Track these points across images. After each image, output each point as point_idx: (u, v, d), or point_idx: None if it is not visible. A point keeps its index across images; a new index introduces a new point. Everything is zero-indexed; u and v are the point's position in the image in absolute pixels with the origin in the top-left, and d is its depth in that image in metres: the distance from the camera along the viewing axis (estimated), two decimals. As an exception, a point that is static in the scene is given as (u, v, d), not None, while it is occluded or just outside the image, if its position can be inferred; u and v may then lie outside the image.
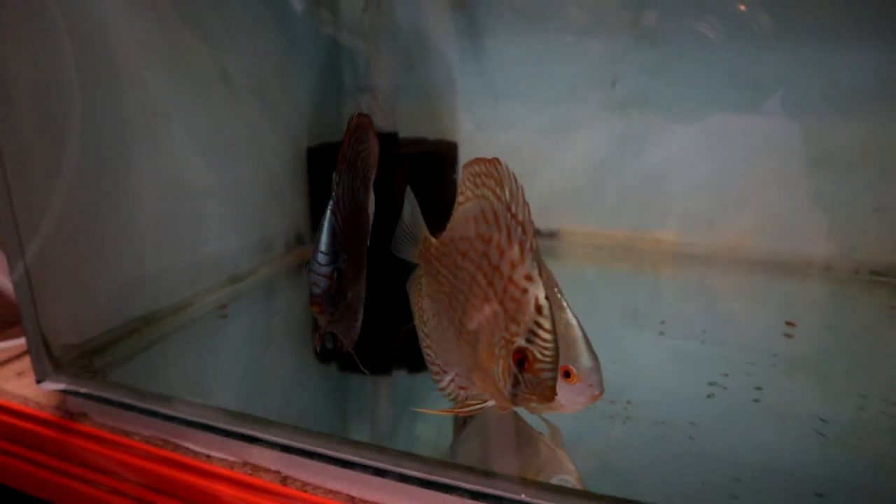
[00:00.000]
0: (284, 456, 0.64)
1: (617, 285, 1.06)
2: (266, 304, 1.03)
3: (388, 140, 1.09)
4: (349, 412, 0.77)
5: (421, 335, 0.63)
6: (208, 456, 0.67)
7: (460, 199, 0.56)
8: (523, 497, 0.53)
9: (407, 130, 1.16)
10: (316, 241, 0.57)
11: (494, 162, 0.52)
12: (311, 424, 0.66)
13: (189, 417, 0.68)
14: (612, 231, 1.16)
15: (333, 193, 0.58)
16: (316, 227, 1.15)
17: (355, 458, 0.60)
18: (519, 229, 0.49)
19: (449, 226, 0.58)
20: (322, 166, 1.12)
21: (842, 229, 1.02)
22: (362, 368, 0.62)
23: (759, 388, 0.71)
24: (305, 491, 0.62)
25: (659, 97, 1.06)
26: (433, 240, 0.61)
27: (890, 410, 0.67)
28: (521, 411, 0.65)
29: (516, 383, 0.49)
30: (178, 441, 0.69)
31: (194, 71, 0.95)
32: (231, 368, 0.84)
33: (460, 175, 0.57)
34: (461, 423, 0.68)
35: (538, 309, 0.48)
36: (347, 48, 1.17)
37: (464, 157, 1.15)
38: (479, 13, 1.13)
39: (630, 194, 1.11)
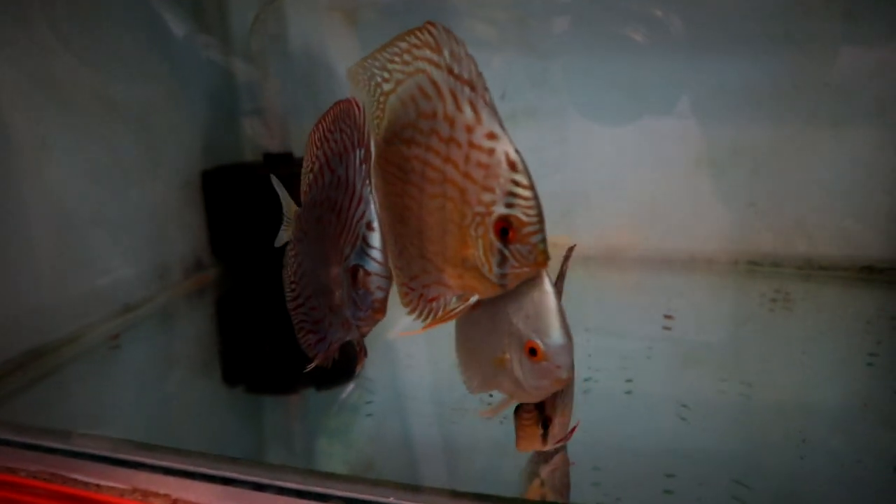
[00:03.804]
0: (172, 479, 0.63)
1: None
2: (162, 332, 1.02)
3: (282, 160, 1.10)
4: (256, 434, 0.77)
5: None
6: (98, 486, 0.66)
7: (391, 87, 0.49)
8: (391, 500, 0.54)
9: (302, 150, 1.16)
10: (364, 238, 0.49)
11: (427, 26, 0.44)
12: (211, 447, 0.66)
13: (75, 449, 0.68)
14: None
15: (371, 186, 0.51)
16: (214, 250, 1.15)
17: (235, 475, 0.61)
18: (466, 89, 0.43)
19: (385, 121, 0.51)
20: (217, 188, 1.12)
21: (721, 224, 1.08)
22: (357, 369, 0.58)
23: (629, 381, 0.75)
24: (194, 511, 0.61)
25: (544, 107, 1.10)
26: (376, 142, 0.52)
27: (745, 391, 0.72)
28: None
29: (503, 260, 0.43)
30: (66, 474, 0.67)
31: (77, 99, 0.94)
32: (124, 398, 0.83)
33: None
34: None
35: (511, 165, 0.43)
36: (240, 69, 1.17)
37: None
38: (371, 30, 1.15)
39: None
